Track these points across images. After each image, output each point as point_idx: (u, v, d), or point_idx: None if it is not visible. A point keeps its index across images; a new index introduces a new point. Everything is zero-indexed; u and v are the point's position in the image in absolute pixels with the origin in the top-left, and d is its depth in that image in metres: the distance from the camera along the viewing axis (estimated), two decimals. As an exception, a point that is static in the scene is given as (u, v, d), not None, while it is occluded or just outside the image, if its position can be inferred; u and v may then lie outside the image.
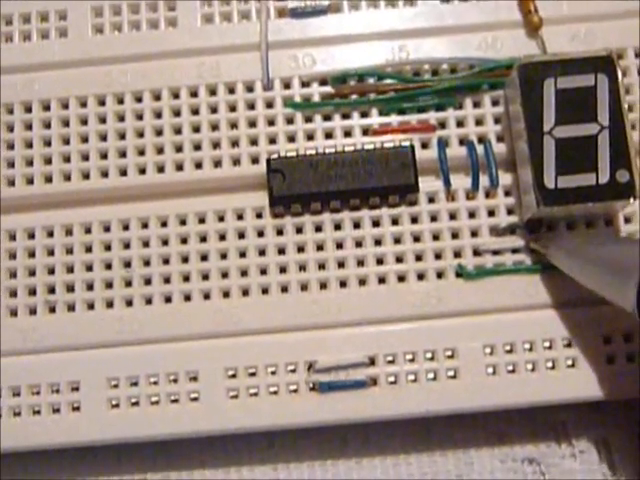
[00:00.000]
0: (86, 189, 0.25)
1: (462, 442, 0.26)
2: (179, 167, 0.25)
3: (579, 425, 0.26)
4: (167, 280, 0.25)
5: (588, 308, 0.24)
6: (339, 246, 0.25)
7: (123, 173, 0.25)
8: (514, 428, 0.26)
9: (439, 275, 0.25)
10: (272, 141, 0.26)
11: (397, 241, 0.25)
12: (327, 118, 0.26)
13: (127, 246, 0.25)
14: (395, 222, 0.25)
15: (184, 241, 0.25)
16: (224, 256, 0.25)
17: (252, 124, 0.26)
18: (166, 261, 0.25)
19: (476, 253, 0.25)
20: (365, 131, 0.26)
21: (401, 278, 0.25)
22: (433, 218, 0.25)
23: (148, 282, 0.25)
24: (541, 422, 0.26)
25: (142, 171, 0.25)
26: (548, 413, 0.25)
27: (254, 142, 0.26)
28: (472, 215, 0.25)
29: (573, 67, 0.24)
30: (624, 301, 0.20)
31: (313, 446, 0.25)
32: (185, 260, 0.25)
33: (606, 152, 0.24)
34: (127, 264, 0.25)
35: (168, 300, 0.25)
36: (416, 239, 0.25)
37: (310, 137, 0.26)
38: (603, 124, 0.24)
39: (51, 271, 0.25)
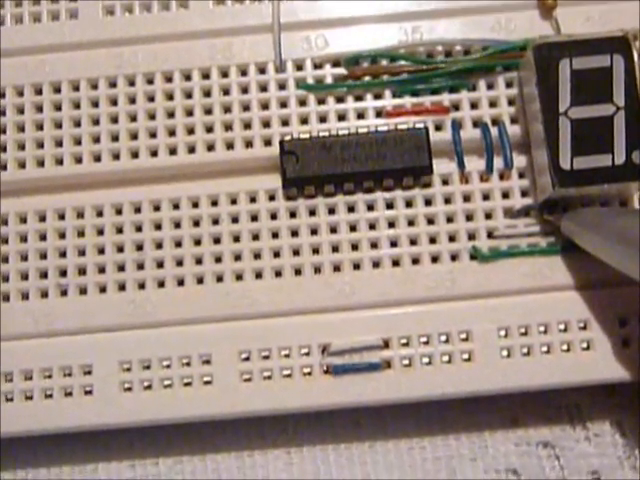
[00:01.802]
0: (98, 172, 0.25)
1: (476, 425, 0.25)
2: (191, 149, 0.25)
3: (593, 408, 0.26)
4: (179, 263, 0.25)
5: (603, 290, 0.24)
6: (352, 228, 0.25)
7: (135, 155, 0.25)
8: (528, 411, 0.25)
9: (453, 257, 0.25)
10: (285, 123, 0.25)
11: (411, 223, 0.25)
12: (340, 100, 0.26)
13: (139, 229, 0.25)
14: (409, 204, 0.25)
15: (196, 224, 0.25)
16: (237, 239, 0.25)
17: (265, 106, 0.25)
18: (178, 244, 0.25)
19: (490, 235, 0.25)
20: (378, 113, 0.25)
21: (415, 260, 0.25)
22: (447, 200, 0.25)
23: (160, 265, 0.25)
24: (555, 405, 0.26)
25: (154, 153, 0.25)
26: (562, 396, 0.25)
27: (267, 124, 0.25)
28: (486, 197, 0.25)
29: (588, 48, 0.24)
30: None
31: (327, 430, 0.25)
32: (197, 243, 0.25)
33: (622, 133, 0.23)
34: (139, 247, 0.25)
35: (180, 283, 0.25)
36: (430, 221, 0.25)
37: (323, 119, 0.25)
38: (619, 105, 0.23)
39: (62, 254, 0.25)
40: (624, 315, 0.24)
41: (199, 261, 0.25)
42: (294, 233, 0.25)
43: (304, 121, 0.25)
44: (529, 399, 0.25)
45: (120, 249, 0.25)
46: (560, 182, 0.23)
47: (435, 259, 0.25)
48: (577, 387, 0.24)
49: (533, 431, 0.26)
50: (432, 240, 0.25)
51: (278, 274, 0.25)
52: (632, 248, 0.20)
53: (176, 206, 0.25)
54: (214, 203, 0.25)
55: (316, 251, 0.25)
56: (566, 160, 0.23)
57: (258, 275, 0.25)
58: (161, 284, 0.25)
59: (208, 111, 0.25)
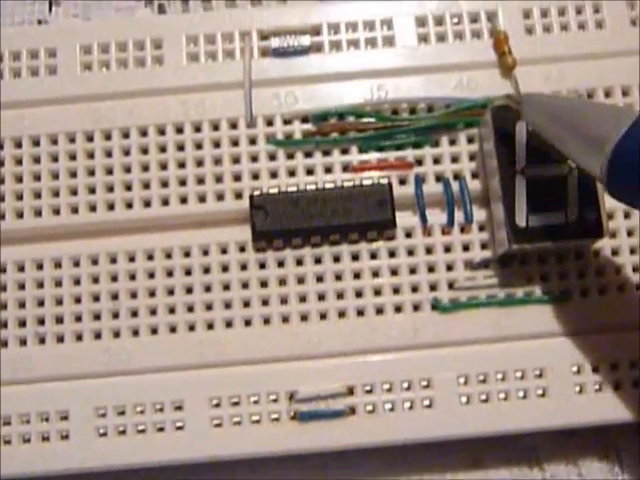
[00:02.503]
0: (74, 223, 0.26)
1: (439, 467, 0.27)
2: (165, 202, 0.26)
3: (551, 450, 0.27)
4: (153, 312, 0.26)
5: (558, 340, 0.25)
6: (319, 279, 0.26)
7: (111, 207, 0.26)
8: (489, 454, 0.27)
9: (415, 308, 0.26)
10: (255, 177, 0.26)
11: (375, 275, 0.26)
12: (308, 155, 0.27)
13: (115, 279, 0.26)
14: (373, 257, 0.26)
15: (170, 274, 0.26)
16: (208, 289, 0.26)
17: (236, 160, 0.27)
18: (152, 294, 0.26)
19: (451, 287, 0.26)
20: (345, 168, 0.26)
21: (379, 311, 0.26)
22: (410, 252, 0.26)
23: (135, 314, 0.26)
24: (514, 448, 0.27)
25: (129, 205, 0.26)
26: (521, 439, 0.26)
27: (238, 178, 0.26)
28: (447, 250, 0.26)
29: (544, 109, 0.25)
30: (594, 168, 0.21)
31: (294, 473, 0.26)
32: (171, 292, 0.26)
33: (575, 192, 0.24)
34: (114, 296, 0.26)
35: (154, 332, 0.26)
36: (393, 273, 0.26)
37: (292, 173, 0.26)
38: (572, 165, 0.24)
39: (41, 303, 0.26)
40: (579, 363, 0.25)
41: (172, 310, 0.26)
42: (263, 284, 0.26)
43: (274, 175, 0.26)
44: (490, 442, 0.26)
45: (96, 298, 0.26)
46: (515, 239, 0.24)
47: (398, 309, 0.26)
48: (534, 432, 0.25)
49: (494, 472, 0.27)
50: (395, 291, 0.26)
51: (248, 323, 0.26)
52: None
53: (150, 257, 0.26)
54: (187, 254, 0.26)
55: (284, 301, 0.26)
56: (522, 217, 0.24)
57: (229, 324, 0.26)
58: (135, 333, 0.26)
59: (181, 165, 0.26)
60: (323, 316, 0.26)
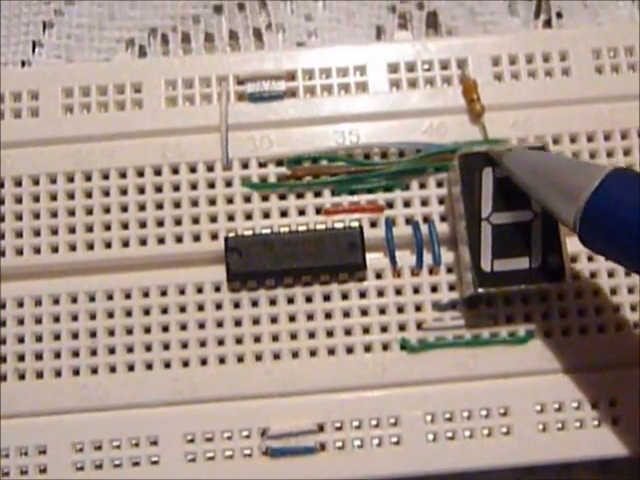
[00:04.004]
0: (54, 262, 0.27)
1: (406, 501, 0.27)
2: (143, 242, 0.27)
3: (515, 485, 0.28)
4: (130, 350, 0.26)
5: (522, 379, 0.26)
6: (292, 319, 0.27)
7: (90, 247, 0.27)
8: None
9: (384, 347, 0.27)
10: (230, 218, 0.27)
11: (346, 315, 0.27)
12: (282, 197, 0.27)
13: (93, 317, 0.27)
14: (344, 297, 0.27)
15: (147, 312, 0.27)
16: (184, 327, 0.27)
17: (212, 202, 0.27)
18: (129, 331, 0.27)
19: (419, 327, 0.27)
20: (318, 210, 0.27)
21: (349, 350, 0.27)
22: (380, 293, 0.27)
23: (112, 351, 0.26)
24: (480, 483, 0.27)
25: (108, 245, 0.27)
26: (487, 475, 0.27)
27: (214, 219, 0.27)
28: (416, 291, 0.27)
29: (510, 157, 0.26)
30: (568, 219, 0.22)
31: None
32: (147, 331, 0.27)
33: (539, 238, 0.25)
34: (92, 334, 0.27)
35: (131, 369, 0.26)
36: (364, 313, 0.27)
37: (266, 215, 0.27)
38: (537, 211, 0.25)
39: (21, 340, 0.27)
40: (542, 402, 0.26)
41: (148, 348, 0.26)
42: (237, 323, 0.27)
43: (248, 217, 0.27)
44: (456, 479, 0.27)
45: (75, 336, 0.27)
46: (481, 283, 0.25)
47: (368, 349, 0.27)
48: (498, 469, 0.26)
49: (460, 506, 0.27)
50: (365, 331, 0.27)
51: (222, 361, 0.26)
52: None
53: (127, 295, 0.27)
54: (163, 293, 0.27)
55: (257, 340, 0.27)
56: (487, 262, 0.25)
57: (203, 362, 0.26)
58: (112, 369, 0.26)
59: (159, 206, 0.27)
60: (295, 355, 0.26)
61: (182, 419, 0.26)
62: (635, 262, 0.22)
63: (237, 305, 0.27)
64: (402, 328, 0.27)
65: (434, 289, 0.27)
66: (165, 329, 0.27)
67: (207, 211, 0.27)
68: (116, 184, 0.27)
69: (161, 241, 0.27)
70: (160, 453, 0.26)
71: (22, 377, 0.26)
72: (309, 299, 0.27)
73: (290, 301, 0.27)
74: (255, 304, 0.27)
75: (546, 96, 0.28)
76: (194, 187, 0.27)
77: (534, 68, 0.28)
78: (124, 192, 0.27)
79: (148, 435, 0.26)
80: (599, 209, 0.22)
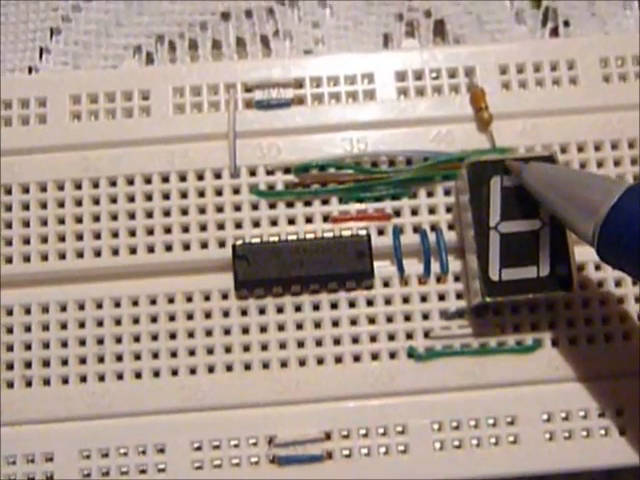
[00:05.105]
0: (62, 269, 0.27)
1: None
2: (150, 249, 0.27)
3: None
4: (137, 357, 0.26)
5: (529, 388, 0.26)
6: (299, 327, 0.27)
7: (97, 254, 0.27)
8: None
9: (392, 356, 0.27)
10: (238, 226, 0.27)
11: (353, 323, 0.27)
12: (290, 205, 0.27)
13: (100, 324, 0.27)
14: (352, 305, 0.27)
15: (154, 320, 0.27)
16: (191, 335, 0.27)
17: (219, 210, 0.27)
18: (137, 339, 0.27)
19: (427, 335, 0.27)
20: (325, 218, 0.27)
21: (356, 358, 0.27)
22: (387, 302, 0.27)
23: (119, 359, 0.26)
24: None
25: (115, 252, 0.27)
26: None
27: (221, 227, 0.27)
28: (424, 299, 0.27)
29: (518, 166, 0.26)
30: (586, 234, 0.23)
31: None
32: (155, 338, 0.27)
33: (547, 247, 0.25)
34: (100, 341, 0.27)
35: (138, 376, 0.26)
36: (371, 321, 0.27)
37: (274, 223, 0.27)
38: (545, 220, 0.25)
39: (28, 347, 0.27)
40: (549, 411, 0.26)
41: (156, 355, 0.27)
42: (245, 331, 0.27)
43: (256, 224, 0.27)
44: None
45: (82, 343, 0.27)
46: (488, 292, 0.25)
47: (375, 357, 0.27)
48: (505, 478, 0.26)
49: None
50: (372, 339, 0.27)
51: (229, 369, 0.26)
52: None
53: (135, 303, 0.27)
54: (171, 301, 0.27)
55: (265, 348, 0.27)
56: (495, 271, 0.25)
57: (210, 370, 0.26)
58: (120, 377, 0.26)
59: (167, 213, 0.27)
60: (302, 363, 0.26)
61: (189, 427, 0.26)
62: None
63: (244, 313, 0.27)
64: (409, 336, 0.27)
65: (442, 297, 0.27)
66: (172, 336, 0.27)
67: (215, 218, 0.27)
68: (124, 191, 0.27)
69: (168, 248, 0.27)
70: (167, 461, 0.26)
71: (29, 384, 0.26)
72: (316, 307, 0.27)
73: (297, 309, 0.27)
74: (262, 312, 0.27)
75: (553, 105, 0.28)
76: (202, 194, 0.27)
77: (542, 77, 0.28)
78: (132, 199, 0.27)
79: (155, 443, 0.26)
80: (618, 224, 0.22)
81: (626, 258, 0.22)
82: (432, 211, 0.27)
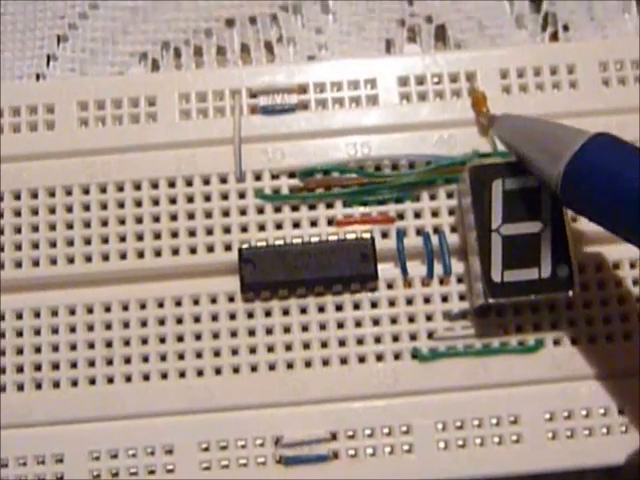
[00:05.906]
0: (71, 273, 0.27)
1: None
2: (157, 253, 0.27)
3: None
4: (145, 359, 0.27)
5: (531, 388, 0.27)
6: (304, 329, 0.27)
7: (106, 258, 0.27)
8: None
9: (396, 357, 0.27)
10: (244, 229, 0.28)
11: (358, 325, 0.27)
12: (295, 209, 0.28)
13: (109, 327, 0.27)
14: (356, 307, 0.27)
15: (162, 323, 0.27)
16: (198, 337, 0.27)
17: (225, 214, 0.28)
18: (145, 342, 0.27)
19: (430, 337, 0.27)
20: (330, 222, 0.28)
21: (361, 359, 0.27)
22: (391, 303, 0.27)
23: (128, 361, 0.27)
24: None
25: (123, 256, 0.27)
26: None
27: (227, 230, 0.28)
28: (427, 301, 0.27)
29: (519, 169, 0.26)
30: (550, 179, 0.24)
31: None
32: (162, 341, 0.27)
33: (548, 249, 0.26)
34: (108, 344, 0.27)
35: (146, 378, 0.27)
36: (375, 323, 0.27)
37: (279, 226, 0.28)
38: (546, 222, 0.26)
39: (37, 350, 0.27)
40: (551, 410, 0.26)
41: (163, 358, 0.27)
42: (251, 333, 0.27)
43: (261, 228, 0.28)
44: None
45: (91, 346, 0.27)
46: (491, 293, 0.26)
47: (379, 358, 0.27)
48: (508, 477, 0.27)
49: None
50: (377, 340, 0.27)
51: (236, 371, 0.27)
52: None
53: (143, 306, 0.27)
54: (178, 304, 0.27)
55: (271, 350, 0.27)
56: (497, 273, 0.26)
57: (217, 372, 0.27)
58: (128, 379, 0.27)
59: (173, 217, 0.28)
60: (308, 364, 0.27)
61: (197, 428, 0.26)
62: (612, 222, 0.23)
63: (251, 315, 0.27)
64: (413, 338, 0.27)
65: (445, 299, 0.27)
66: (180, 339, 0.27)
67: (221, 222, 0.28)
68: (131, 196, 0.28)
69: (175, 252, 0.27)
70: (175, 461, 0.26)
71: (39, 387, 0.27)
72: (322, 309, 0.27)
73: (303, 311, 0.27)
74: (268, 314, 0.27)
75: (554, 108, 0.28)
76: (208, 199, 0.28)
77: (542, 81, 0.29)
78: (139, 204, 0.28)
79: (163, 444, 0.26)
80: (580, 169, 0.23)
81: (588, 204, 0.23)
82: (435, 214, 0.28)
